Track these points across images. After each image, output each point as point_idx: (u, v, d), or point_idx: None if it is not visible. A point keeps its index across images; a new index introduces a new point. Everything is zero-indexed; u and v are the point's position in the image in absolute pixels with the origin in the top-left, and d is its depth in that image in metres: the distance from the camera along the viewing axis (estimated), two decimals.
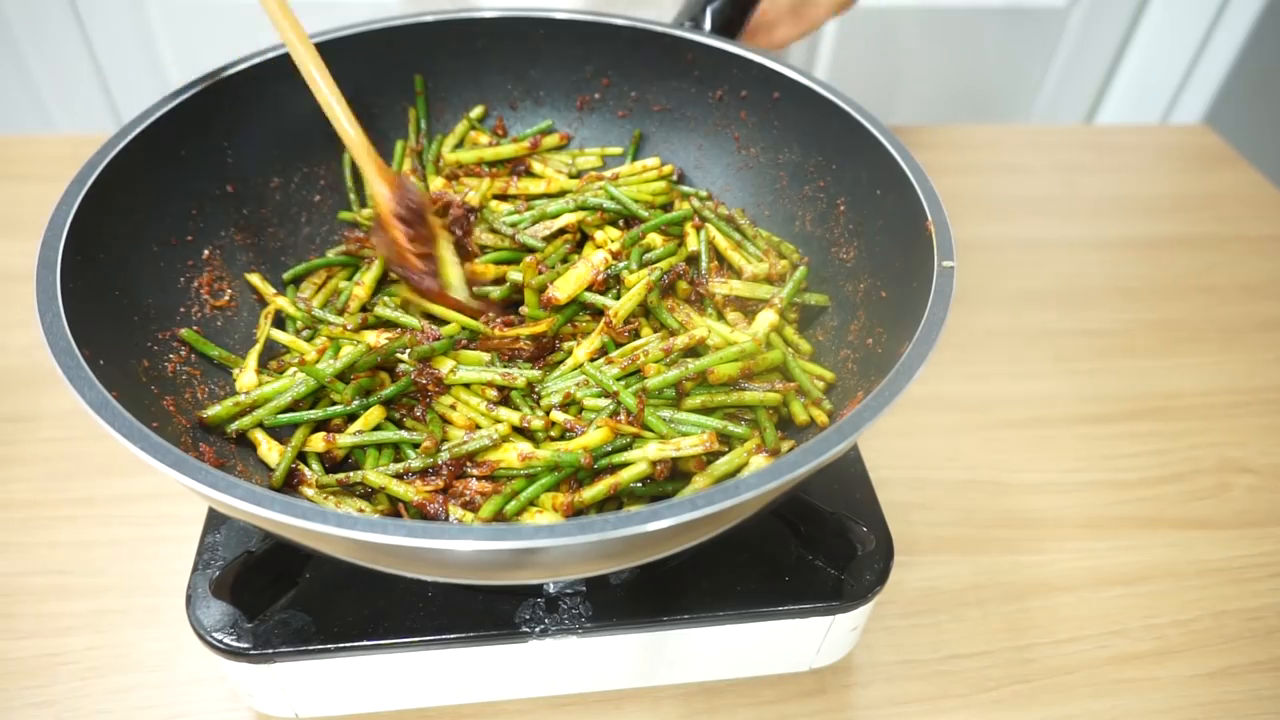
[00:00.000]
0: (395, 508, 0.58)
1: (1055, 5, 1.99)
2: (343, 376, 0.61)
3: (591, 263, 0.66)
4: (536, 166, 0.78)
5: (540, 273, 0.66)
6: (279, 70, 0.68)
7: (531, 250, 0.70)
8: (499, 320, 0.67)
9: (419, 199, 0.68)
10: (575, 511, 0.56)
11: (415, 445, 0.59)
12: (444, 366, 0.62)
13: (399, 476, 0.58)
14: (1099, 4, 1.99)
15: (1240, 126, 1.71)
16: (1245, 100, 2.07)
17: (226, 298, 0.67)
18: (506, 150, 0.77)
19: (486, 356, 0.64)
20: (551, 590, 0.57)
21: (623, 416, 0.58)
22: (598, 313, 0.67)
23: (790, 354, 0.64)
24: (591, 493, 0.56)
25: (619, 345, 0.64)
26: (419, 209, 0.68)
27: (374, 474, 0.58)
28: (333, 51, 0.71)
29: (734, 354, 0.60)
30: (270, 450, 0.59)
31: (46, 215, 0.53)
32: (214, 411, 0.59)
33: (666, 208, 0.75)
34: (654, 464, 0.57)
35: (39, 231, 0.52)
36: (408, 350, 0.62)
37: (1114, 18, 2.03)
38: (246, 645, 0.54)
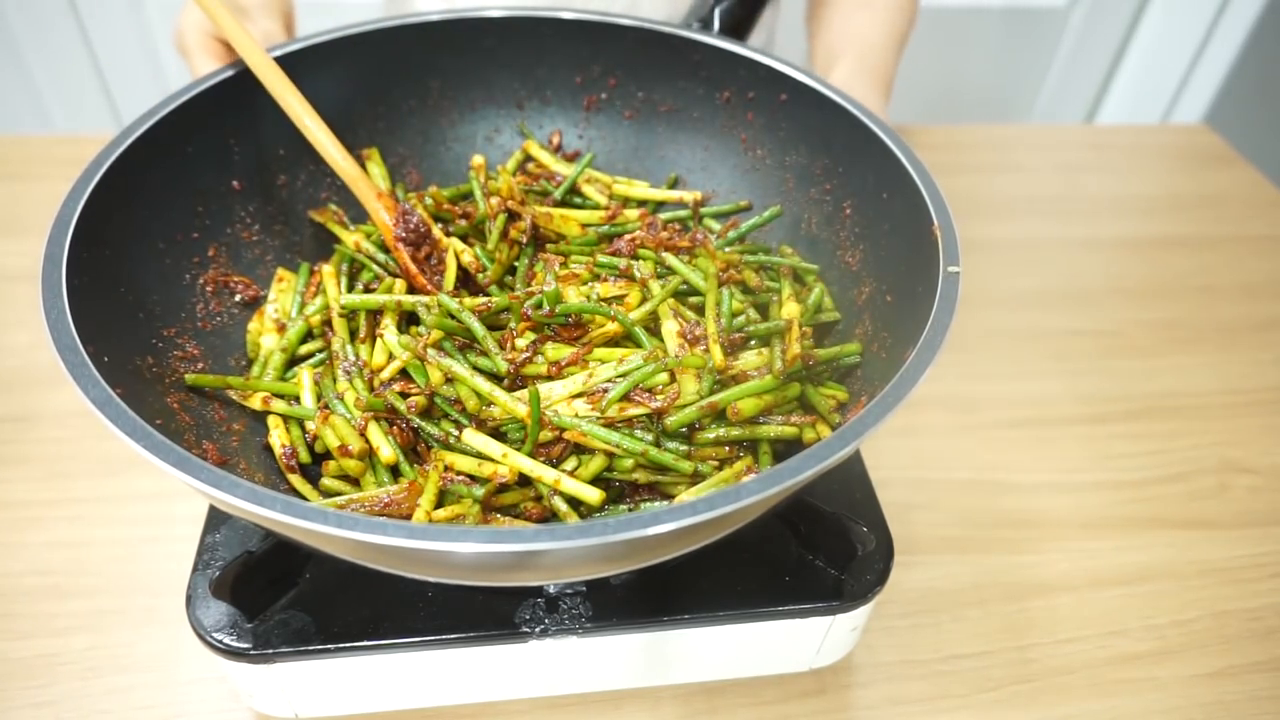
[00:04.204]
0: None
1: (1055, 5, 1.99)
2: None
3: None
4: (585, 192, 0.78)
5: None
6: (284, 69, 0.68)
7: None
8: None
9: (420, 219, 0.69)
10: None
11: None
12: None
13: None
14: (1099, 4, 1.99)
15: (1240, 126, 1.71)
16: (1245, 100, 2.07)
17: (234, 297, 0.67)
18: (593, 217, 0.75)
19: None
20: (551, 590, 0.57)
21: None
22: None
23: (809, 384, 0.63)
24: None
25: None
26: (422, 230, 0.69)
27: (328, 479, 0.59)
28: (339, 51, 0.72)
29: (756, 388, 0.59)
30: (284, 438, 0.60)
31: (46, 215, 0.53)
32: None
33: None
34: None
35: (39, 231, 0.52)
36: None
37: (1114, 18, 2.03)
38: (246, 645, 0.54)
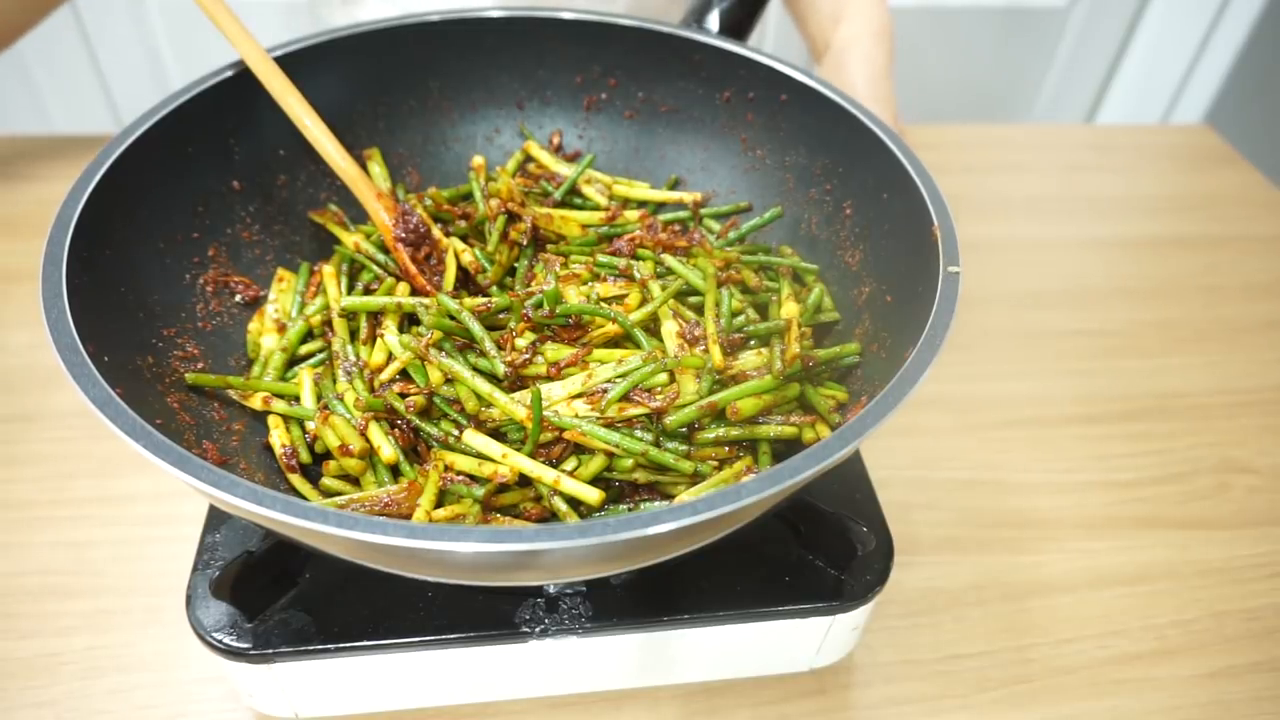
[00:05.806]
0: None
1: (1055, 5, 1.99)
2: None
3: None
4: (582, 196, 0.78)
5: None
6: (284, 69, 0.68)
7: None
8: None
9: (419, 220, 0.69)
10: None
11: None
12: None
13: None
14: (1099, 4, 2.00)
15: (1240, 126, 1.72)
16: (1245, 100, 2.07)
17: (234, 297, 0.67)
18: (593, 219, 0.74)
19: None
20: (551, 590, 0.57)
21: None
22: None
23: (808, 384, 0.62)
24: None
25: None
26: (422, 230, 0.69)
27: (329, 479, 0.59)
28: (339, 51, 0.71)
29: (755, 388, 0.58)
30: (285, 438, 0.60)
31: (46, 215, 0.53)
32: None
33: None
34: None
35: (39, 231, 0.52)
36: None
37: (1114, 18, 2.04)
38: (246, 645, 0.54)
